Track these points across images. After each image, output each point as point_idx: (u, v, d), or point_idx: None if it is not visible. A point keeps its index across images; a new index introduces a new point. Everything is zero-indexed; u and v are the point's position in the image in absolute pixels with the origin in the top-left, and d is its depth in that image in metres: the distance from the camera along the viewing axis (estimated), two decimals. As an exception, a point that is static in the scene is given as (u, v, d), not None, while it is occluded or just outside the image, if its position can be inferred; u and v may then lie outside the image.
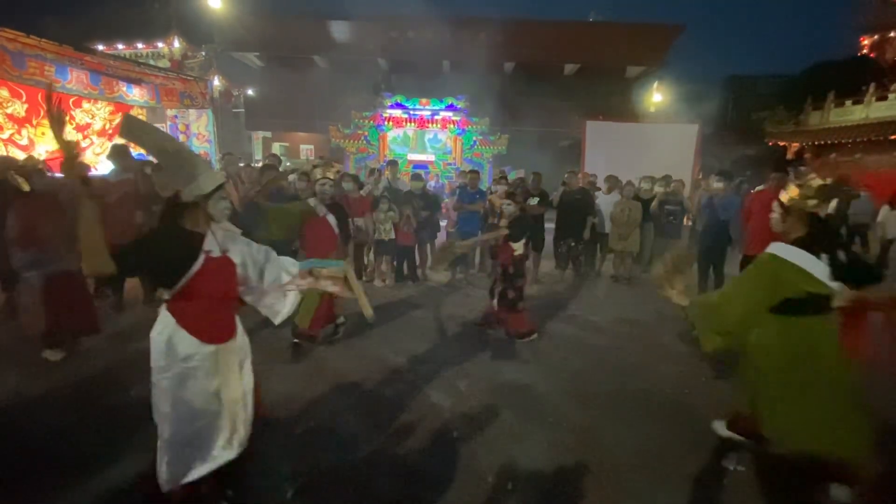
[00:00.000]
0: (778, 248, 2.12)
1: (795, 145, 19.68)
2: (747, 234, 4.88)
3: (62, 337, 3.60)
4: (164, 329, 1.78)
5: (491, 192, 6.71)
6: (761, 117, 20.49)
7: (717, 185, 5.33)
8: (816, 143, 18.71)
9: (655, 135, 13.59)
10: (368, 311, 2.20)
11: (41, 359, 3.49)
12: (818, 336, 2.11)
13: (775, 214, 2.27)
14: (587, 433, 2.80)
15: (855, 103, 17.35)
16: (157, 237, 1.79)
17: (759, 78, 27.82)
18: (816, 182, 2.17)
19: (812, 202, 2.11)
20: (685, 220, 6.50)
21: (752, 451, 2.52)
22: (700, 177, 11.82)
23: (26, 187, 3.41)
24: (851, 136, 17.02)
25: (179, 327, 1.76)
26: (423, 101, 16.02)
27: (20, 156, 7.08)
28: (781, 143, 20.05)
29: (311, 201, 3.77)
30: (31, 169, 3.52)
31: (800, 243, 2.08)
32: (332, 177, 3.63)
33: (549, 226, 6.81)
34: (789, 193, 2.23)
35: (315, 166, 3.49)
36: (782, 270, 2.05)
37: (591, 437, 2.76)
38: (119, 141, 10.36)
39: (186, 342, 1.76)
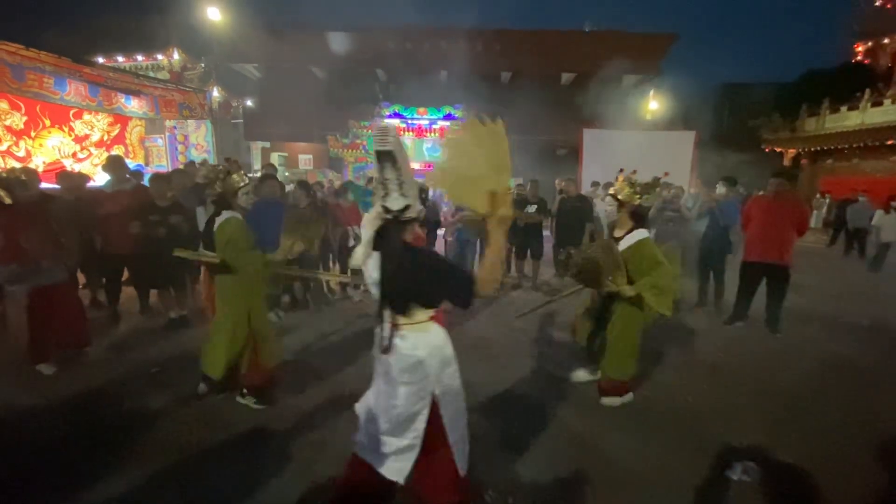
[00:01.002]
0: (643, 234, 2.89)
1: (792, 151, 19.79)
2: (747, 239, 4.86)
3: (51, 350, 3.56)
4: (446, 337, 1.82)
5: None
6: (757, 124, 20.59)
7: (720, 190, 5.34)
8: (813, 149, 18.80)
9: (652, 142, 13.66)
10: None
11: (35, 372, 3.44)
12: None
13: (611, 208, 3.12)
14: (588, 444, 2.75)
15: (850, 109, 17.46)
16: (414, 262, 1.63)
17: (753, 85, 27.97)
18: (641, 182, 2.98)
19: (637, 198, 2.89)
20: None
21: (758, 461, 2.48)
22: (699, 183, 11.85)
23: (8, 200, 3.37)
24: (848, 142, 17.11)
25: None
26: (421, 110, 16.13)
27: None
28: (778, 150, 20.15)
29: (236, 213, 2.87)
30: (13, 181, 3.48)
31: (641, 226, 2.89)
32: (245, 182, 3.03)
33: (548, 233, 6.81)
34: (619, 191, 2.97)
35: (230, 172, 2.94)
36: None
37: (593, 447, 2.72)
38: (115, 152, 10.39)
39: None
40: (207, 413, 2.96)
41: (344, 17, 18.81)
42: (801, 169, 19.73)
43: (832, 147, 17.89)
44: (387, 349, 1.68)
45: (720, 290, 5.45)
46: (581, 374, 3.53)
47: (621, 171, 8.96)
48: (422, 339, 1.70)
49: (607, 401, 3.17)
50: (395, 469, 1.71)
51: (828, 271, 8.58)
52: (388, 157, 1.56)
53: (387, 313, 1.67)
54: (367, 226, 1.71)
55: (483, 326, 4.82)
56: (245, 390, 3.05)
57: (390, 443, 1.71)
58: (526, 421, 2.98)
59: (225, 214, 2.83)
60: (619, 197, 3.00)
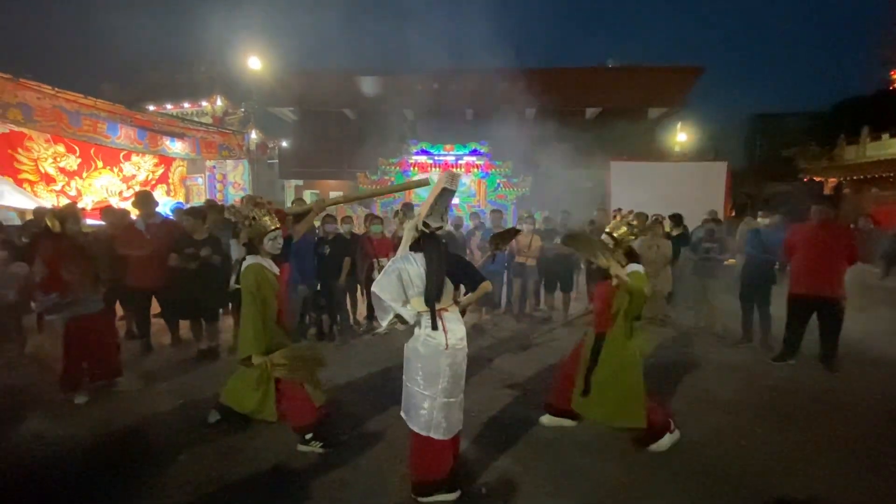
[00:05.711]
0: (637, 268, 2.92)
1: (833, 180, 19.06)
2: (793, 270, 4.58)
3: (84, 379, 3.61)
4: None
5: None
6: (791, 154, 20.06)
7: (762, 220, 5.16)
8: (855, 177, 18.06)
9: (683, 173, 13.43)
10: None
11: (66, 400, 3.49)
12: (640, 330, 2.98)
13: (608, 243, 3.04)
14: (630, 492, 2.52)
15: (892, 137, 16.81)
16: (445, 254, 2.34)
17: (786, 115, 27.50)
18: (636, 222, 3.18)
19: (632, 237, 3.07)
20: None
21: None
22: (733, 214, 11.50)
23: (57, 228, 3.54)
24: (892, 170, 16.37)
25: None
26: (448, 146, 16.49)
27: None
28: (817, 179, 19.45)
29: (260, 259, 2.87)
30: (67, 213, 3.68)
31: (633, 260, 2.99)
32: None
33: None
34: (617, 230, 3.07)
35: (255, 218, 2.88)
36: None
37: (636, 496, 2.48)
38: (146, 189, 10.99)
39: None
40: (229, 448, 2.90)
41: (374, 62, 19.78)
42: (844, 198, 18.91)
43: (876, 175, 17.12)
44: (435, 326, 2.25)
45: (766, 324, 5.11)
46: (546, 419, 3.28)
47: (619, 210, 8.90)
48: (457, 316, 2.38)
49: (655, 447, 2.90)
50: (459, 421, 2.40)
51: (884, 304, 7.95)
52: (450, 195, 2.33)
53: (433, 301, 2.23)
54: (406, 232, 2.37)
55: (514, 363, 4.64)
56: (307, 437, 2.82)
57: (456, 401, 2.35)
58: (561, 466, 2.77)
59: (249, 260, 2.85)
60: (616, 235, 3.03)
